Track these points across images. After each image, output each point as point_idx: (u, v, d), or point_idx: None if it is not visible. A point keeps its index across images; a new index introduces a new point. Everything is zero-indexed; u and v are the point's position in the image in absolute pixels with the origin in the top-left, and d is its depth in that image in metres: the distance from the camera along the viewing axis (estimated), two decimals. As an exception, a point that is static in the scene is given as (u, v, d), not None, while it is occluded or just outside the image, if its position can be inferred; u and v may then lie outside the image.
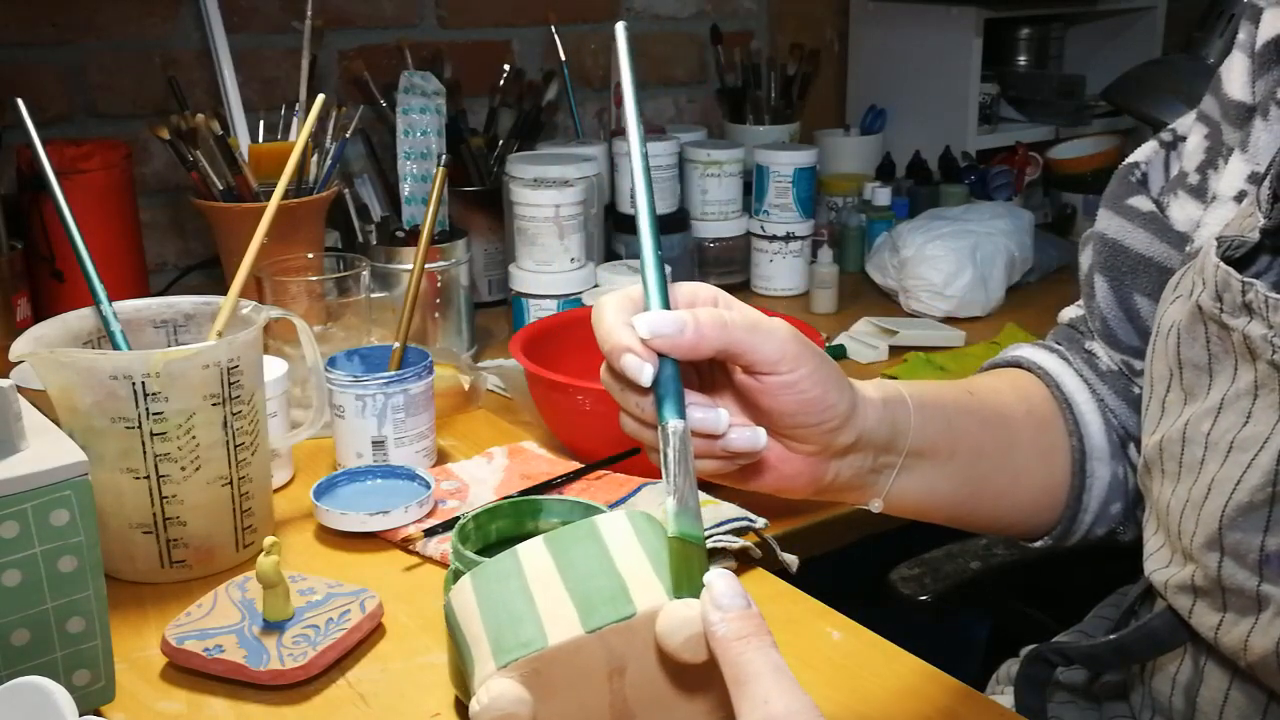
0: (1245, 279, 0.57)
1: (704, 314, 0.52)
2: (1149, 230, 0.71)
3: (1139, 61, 1.94)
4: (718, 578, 0.44)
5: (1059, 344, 0.78)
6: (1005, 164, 1.84)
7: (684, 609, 0.43)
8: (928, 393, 0.66)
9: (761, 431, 0.56)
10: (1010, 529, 0.74)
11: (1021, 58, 2.05)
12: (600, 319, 0.53)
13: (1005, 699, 0.80)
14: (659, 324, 0.51)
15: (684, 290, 0.55)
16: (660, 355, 0.51)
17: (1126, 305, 0.72)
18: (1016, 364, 0.78)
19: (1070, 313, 0.80)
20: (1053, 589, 1.03)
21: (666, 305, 0.53)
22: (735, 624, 0.42)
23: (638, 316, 0.52)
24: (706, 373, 0.58)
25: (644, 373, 0.51)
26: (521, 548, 0.48)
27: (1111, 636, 0.69)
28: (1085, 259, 0.75)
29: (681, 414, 0.50)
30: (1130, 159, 0.76)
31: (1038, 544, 0.75)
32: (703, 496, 0.88)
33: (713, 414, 0.54)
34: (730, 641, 0.42)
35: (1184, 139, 0.73)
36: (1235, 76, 0.67)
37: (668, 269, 0.53)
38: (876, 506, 0.64)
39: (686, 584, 0.45)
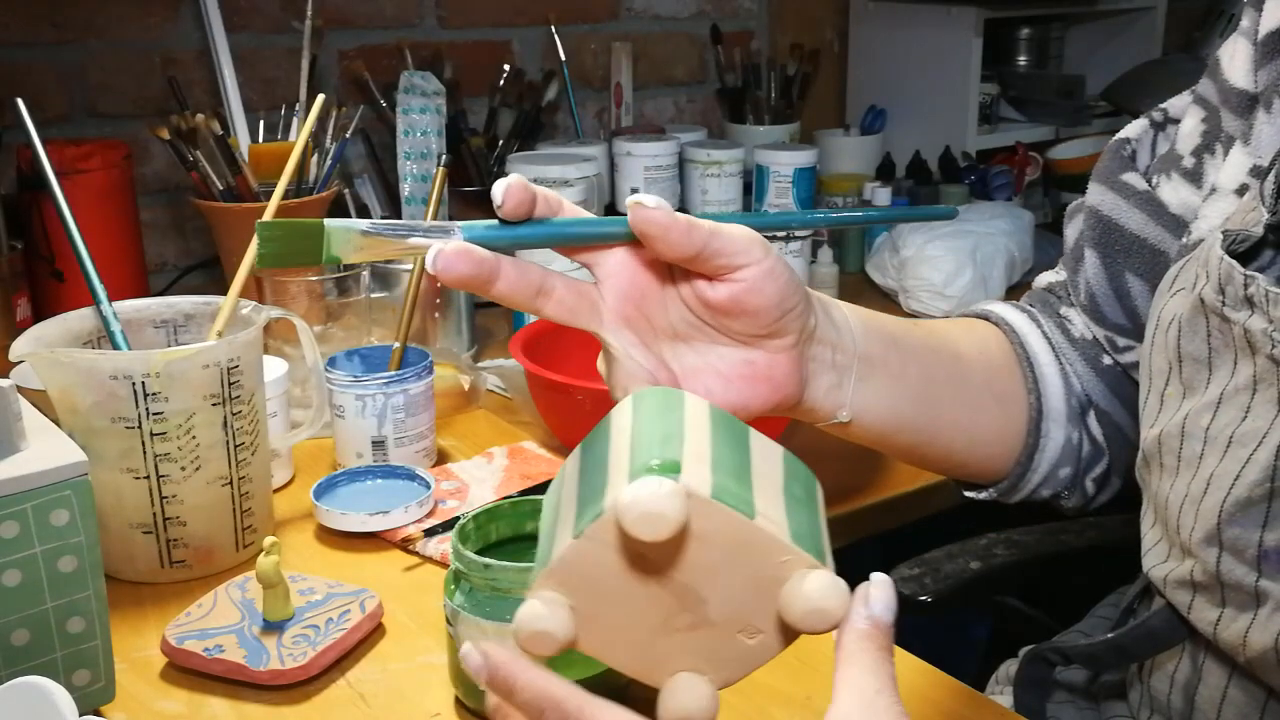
0: (1248, 272, 0.57)
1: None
2: (1144, 211, 0.71)
3: (1139, 61, 1.94)
4: (882, 586, 0.44)
5: (1031, 305, 0.78)
6: (1005, 164, 1.84)
7: (832, 585, 0.43)
8: (864, 310, 0.65)
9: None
10: (964, 468, 0.73)
11: (1021, 58, 2.05)
12: None
13: (1005, 699, 0.80)
14: (653, 202, 0.50)
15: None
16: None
17: (1117, 284, 0.72)
18: (983, 317, 0.77)
19: (1047, 277, 0.79)
20: (1053, 589, 1.03)
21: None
22: (881, 636, 0.44)
23: (637, 196, 0.51)
24: (661, 319, 0.56)
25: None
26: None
27: (1110, 635, 0.69)
28: (1073, 230, 0.75)
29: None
30: (1121, 134, 0.75)
31: (981, 495, 0.75)
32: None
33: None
34: (869, 649, 0.43)
35: (1175, 120, 0.73)
36: (1238, 63, 0.67)
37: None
38: (845, 416, 0.62)
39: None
